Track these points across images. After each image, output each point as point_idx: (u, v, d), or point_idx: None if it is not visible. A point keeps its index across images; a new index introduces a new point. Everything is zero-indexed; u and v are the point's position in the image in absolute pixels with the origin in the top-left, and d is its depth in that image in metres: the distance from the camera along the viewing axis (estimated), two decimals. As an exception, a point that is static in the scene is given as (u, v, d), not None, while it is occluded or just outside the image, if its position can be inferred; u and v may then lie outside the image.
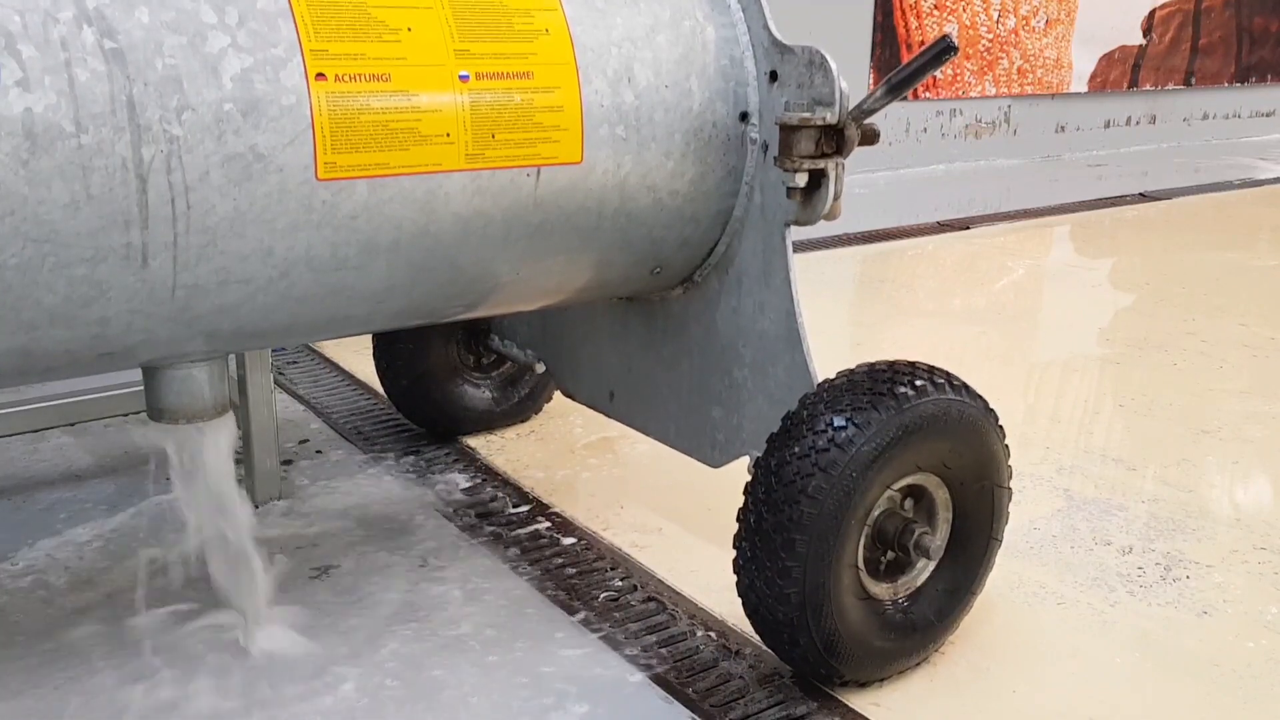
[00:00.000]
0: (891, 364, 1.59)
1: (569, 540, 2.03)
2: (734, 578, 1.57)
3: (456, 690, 1.60)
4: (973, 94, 6.68)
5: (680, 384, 1.88)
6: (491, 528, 2.07)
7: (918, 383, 1.54)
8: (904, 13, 6.18)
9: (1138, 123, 7.81)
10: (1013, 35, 6.75)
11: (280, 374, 2.81)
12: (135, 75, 1.21)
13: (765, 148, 1.65)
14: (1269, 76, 8.57)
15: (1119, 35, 7.43)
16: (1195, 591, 1.93)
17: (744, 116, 1.66)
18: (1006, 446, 1.67)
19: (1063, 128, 7.31)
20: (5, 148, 1.15)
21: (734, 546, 1.56)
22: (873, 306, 3.86)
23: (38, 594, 1.81)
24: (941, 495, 1.64)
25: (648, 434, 1.99)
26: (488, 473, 2.30)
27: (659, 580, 1.91)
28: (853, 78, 4.42)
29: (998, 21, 6.65)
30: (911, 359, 1.63)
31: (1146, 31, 7.61)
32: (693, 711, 1.57)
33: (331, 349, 3.01)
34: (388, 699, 1.58)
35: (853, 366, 1.60)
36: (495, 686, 1.61)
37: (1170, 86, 7.89)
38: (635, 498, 2.21)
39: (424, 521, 2.09)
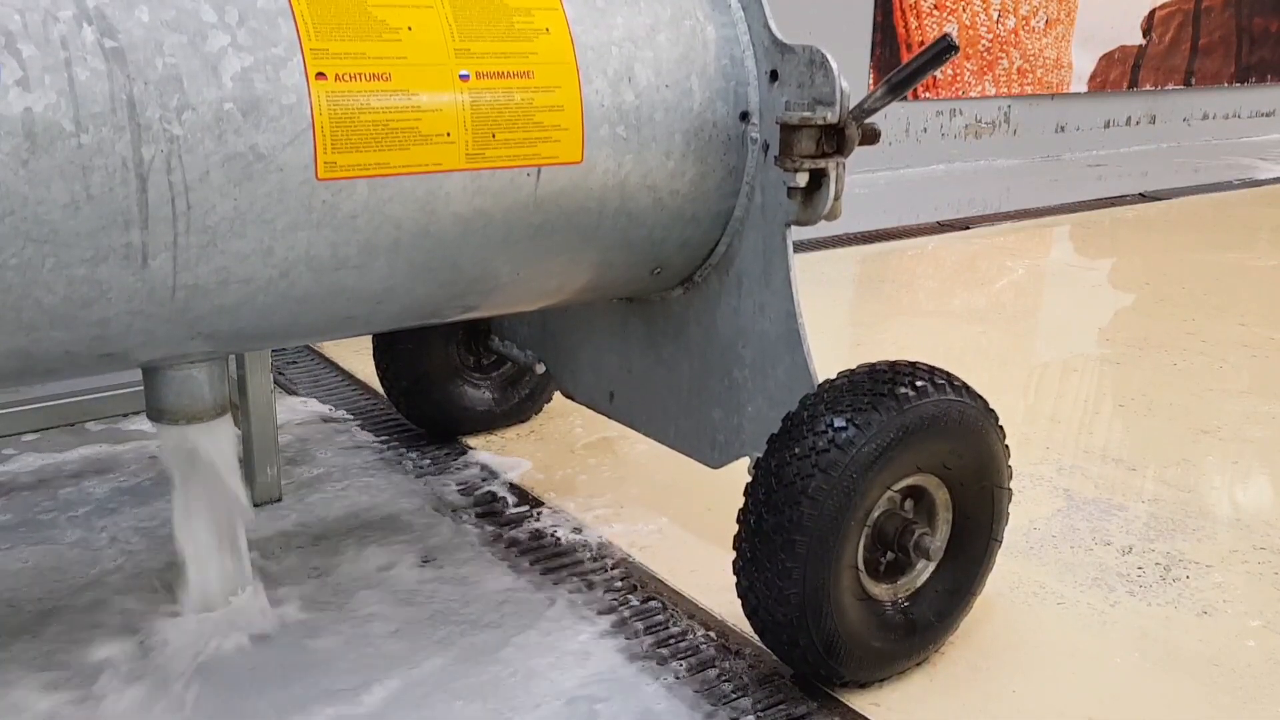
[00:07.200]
0: (892, 364, 1.59)
1: (569, 540, 2.03)
2: (733, 577, 1.57)
3: (456, 690, 1.60)
4: (973, 94, 6.68)
5: (680, 385, 1.88)
6: (491, 527, 2.07)
7: (918, 383, 1.54)
8: (904, 13, 6.18)
9: (1138, 123, 7.81)
10: (1013, 35, 6.75)
11: (280, 374, 2.81)
12: (135, 74, 1.21)
13: (766, 147, 1.65)
14: (1269, 76, 8.58)
15: (1119, 35, 7.43)
16: (1195, 591, 1.93)
17: (744, 116, 1.66)
18: (1007, 447, 1.67)
19: (1063, 128, 7.32)
20: (5, 147, 1.15)
21: (734, 547, 1.56)
22: (873, 306, 3.86)
23: (38, 595, 1.81)
24: (942, 496, 1.64)
25: (647, 435, 1.98)
26: (488, 473, 2.30)
27: (659, 580, 1.91)
28: (853, 78, 4.43)
29: (998, 21, 6.65)
30: (912, 359, 1.63)
31: (1146, 31, 7.61)
32: (692, 710, 1.57)
33: (331, 349, 3.01)
34: (386, 698, 1.58)
35: (853, 367, 1.60)
36: (495, 685, 1.61)
37: (1170, 86, 7.89)
38: (635, 498, 2.21)
39: (424, 521, 2.09)
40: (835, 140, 1.58)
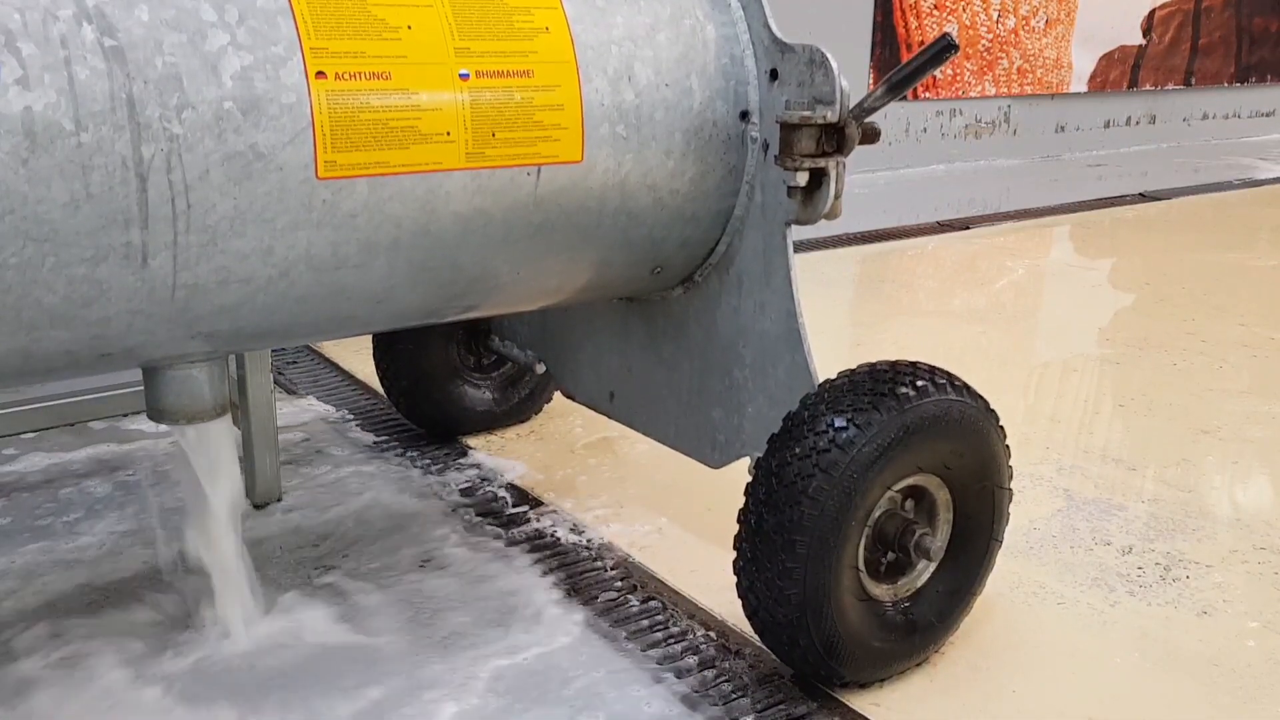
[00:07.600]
0: (893, 364, 1.59)
1: (568, 540, 2.03)
2: (734, 578, 1.57)
3: (458, 690, 1.60)
4: (973, 94, 6.68)
5: (680, 384, 1.88)
6: (491, 527, 2.07)
7: (919, 383, 1.54)
8: (904, 13, 6.18)
9: (1138, 123, 7.81)
10: (1013, 35, 6.75)
11: (280, 374, 2.81)
12: (135, 73, 1.21)
13: (766, 146, 1.65)
14: (1269, 76, 8.58)
15: (1119, 35, 7.43)
16: (1195, 591, 1.93)
17: (744, 115, 1.66)
18: (1007, 447, 1.67)
19: (1063, 128, 7.32)
20: (5, 146, 1.15)
21: (734, 548, 1.56)
22: (873, 306, 3.86)
23: (41, 595, 1.81)
24: (942, 496, 1.64)
25: (648, 435, 1.98)
26: (488, 473, 2.30)
27: (659, 580, 1.91)
28: (853, 77, 4.42)
29: (998, 21, 6.65)
30: (912, 359, 1.63)
31: (1146, 31, 7.61)
32: (693, 711, 1.57)
33: (331, 349, 3.00)
34: (387, 697, 1.58)
35: (853, 367, 1.60)
36: (497, 684, 1.61)
37: (1170, 86, 7.89)
38: (635, 498, 2.21)
39: (424, 521, 2.09)
40: (835, 139, 1.58)
